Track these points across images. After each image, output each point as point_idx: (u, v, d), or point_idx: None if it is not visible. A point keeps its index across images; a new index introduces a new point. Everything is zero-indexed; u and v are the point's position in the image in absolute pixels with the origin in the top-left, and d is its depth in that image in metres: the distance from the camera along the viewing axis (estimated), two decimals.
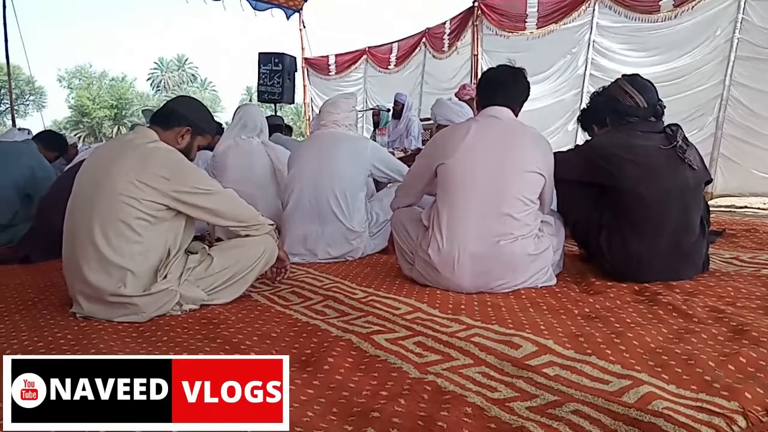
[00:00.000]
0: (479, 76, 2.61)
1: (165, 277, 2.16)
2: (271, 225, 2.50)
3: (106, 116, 44.77)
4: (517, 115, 2.55)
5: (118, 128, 43.23)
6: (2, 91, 35.27)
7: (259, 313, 2.23)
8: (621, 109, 2.52)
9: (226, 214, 2.33)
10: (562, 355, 1.65)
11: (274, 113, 8.91)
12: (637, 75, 2.59)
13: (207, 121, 2.42)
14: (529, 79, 2.57)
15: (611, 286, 2.41)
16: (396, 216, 2.81)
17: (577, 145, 2.89)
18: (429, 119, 7.42)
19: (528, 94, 2.59)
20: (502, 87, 2.53)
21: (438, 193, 2.51)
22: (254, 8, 10.12)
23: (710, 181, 2.63)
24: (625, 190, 2.40)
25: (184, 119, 2.29)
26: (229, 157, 3.79)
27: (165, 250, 2.19)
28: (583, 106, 3.36)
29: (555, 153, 2.59)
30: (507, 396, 1.42)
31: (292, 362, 1.68)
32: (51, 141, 4.70)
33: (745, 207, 5.67)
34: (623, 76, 2.60)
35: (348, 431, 1.26)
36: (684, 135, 2.47)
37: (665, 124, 2.51)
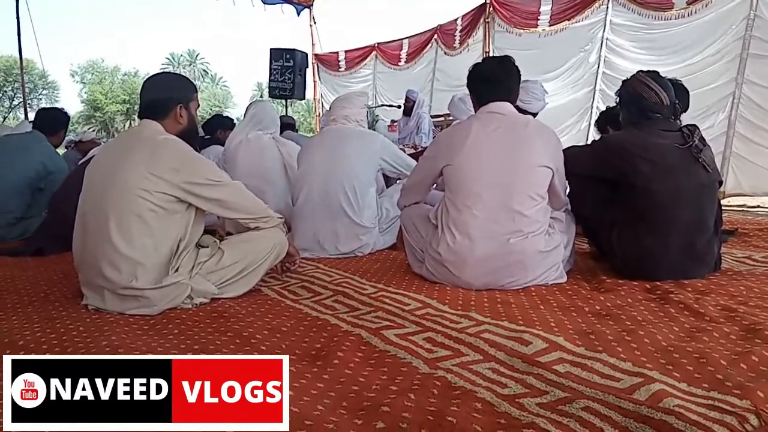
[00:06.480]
0: (467, 75, 2.58)
1: (176, 270, 2.17)
2: (280, 218, 2.50)
3: (118, 111, 45.02)
4: (514, 103, 2.53)
5: (130, 123, 43.43)
6: (15, 85, 35.65)
7: (269, 307, 2.24)
8: (645, 105, 2.46)
9: (236, 206, 2.33)
10: (572, 352, 1.65)
11: (285, 110, 8.90)
12: (657, 72, 2.54)
13: (185, 84, 2.40)
14: (541, 76, 2.55)
15: (622, 284, 2.39)
16: (405, 214, 2.81)
17: (593, 141, 2.87)
18: (440, 116, 7.44)
19: (521, 80, 2.56)
20: (497, 81, 2.50)
21: (446, 192, 2.49)
22: (264, 2, 10.06)
23: (721, 182, 2.61)
24: (638, 187, 2.38)
25: (170, 100, 2.28)
26: (240, 152, 3.79)
27: (176, 243, 2.19)
28: (597, 105, 3.33)
29: (569, 148, 2.56)
30: (517, 392, 1.42)
31: (302, 357, 1.69)
32: (50, 125, 4.31)
33: (758, 206, 5.61)
34: (641, 72, 2.54)
35: (358, 425, 1.26)
36: (701, 135, 2.44)
37: (682, 124, 2.48)
